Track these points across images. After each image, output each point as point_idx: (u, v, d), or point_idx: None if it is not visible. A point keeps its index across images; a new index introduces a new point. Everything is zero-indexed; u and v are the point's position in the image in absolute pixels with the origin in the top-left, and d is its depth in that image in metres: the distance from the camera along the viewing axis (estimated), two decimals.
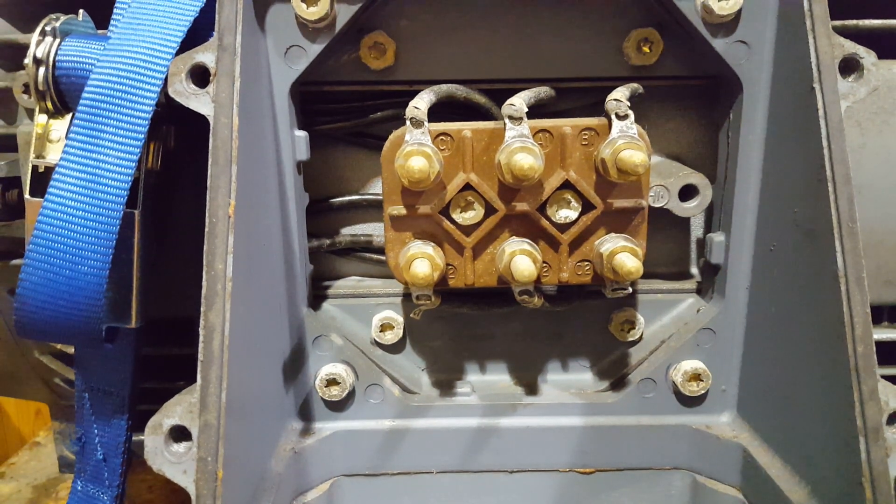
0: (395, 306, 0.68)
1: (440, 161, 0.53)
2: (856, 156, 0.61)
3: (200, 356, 0.48)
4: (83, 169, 0.52)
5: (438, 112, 0.56)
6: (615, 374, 0.69)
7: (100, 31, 0.60)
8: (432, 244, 0.56)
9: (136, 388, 0.63)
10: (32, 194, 0.56)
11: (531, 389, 0.69)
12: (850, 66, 0.53)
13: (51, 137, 0.57)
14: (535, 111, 0.57)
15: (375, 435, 0.66)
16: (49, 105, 0.56)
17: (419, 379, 0.70)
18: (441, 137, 0.55)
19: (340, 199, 0.68)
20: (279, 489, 0.58)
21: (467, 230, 0.56)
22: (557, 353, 0.70)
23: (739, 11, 0.56)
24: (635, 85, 0.58)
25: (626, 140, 0.52)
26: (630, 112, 0.53)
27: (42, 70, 0.54)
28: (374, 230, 0.69)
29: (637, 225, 0.57)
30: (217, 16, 0.52)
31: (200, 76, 0.52)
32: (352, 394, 0.66)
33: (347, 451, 0.66)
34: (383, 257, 0.68)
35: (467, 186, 0.55)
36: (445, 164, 0.54)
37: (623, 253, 0.54)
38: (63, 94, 0.55)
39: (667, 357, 0.66)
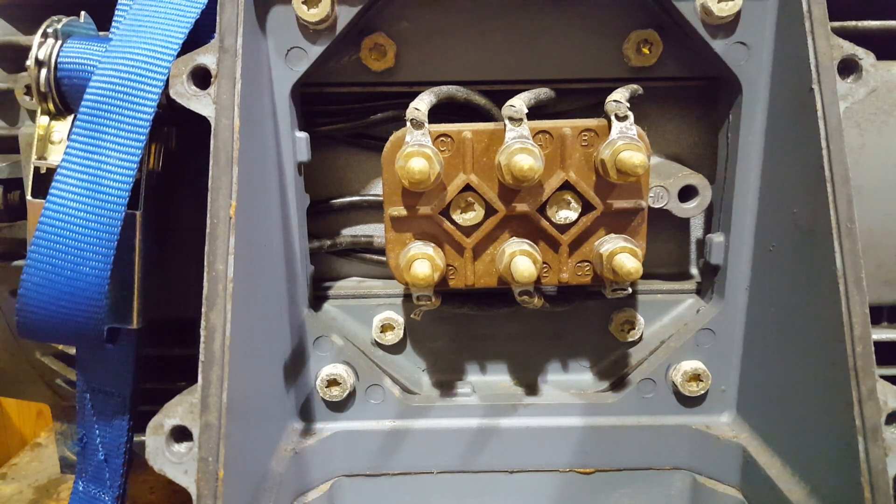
0: (395, 307, 0.68)
1: (440, 162, 0.53)
2: (855, 156, 0.62)
3: (201, 357, 0.48)
4: (85, 170, 0.52)
5: (439, 113, 0.56)
6: (615, 374, 0.69)
7: (101, 33, 0.60)
8: (433, 245, 0.56)
9: (138, 388, 0.63)
10: (34, 195, 0.56)
11: (531, 390, 0.69)
12: (848, 67, 0.53)
13: (52, 139, 0.57)
14: (535, 112, 0.57)
15: (376, 435, 0.67)
16: (51, 106, 0.56)
17: (420, 379, 0.70)
18: (441, 138, 0.55)
19: (341, 199, 0.68)
20: (280, 489, 0.58)
21: (467, 231, 0.57)
22: (557, 353, 0.70)
23: (738, 13, 0.56)
24: (635, 86, 0.58)
25: (625, 141, 0.53)
26: (629, 113, 0.53)
27: (44, 72, 0.54)
28: (374, 231, 0.69)
29: (637, 226, 0.57)
30: (218, 17, 0.52)
31: (202, 78, 0.52)
32: (352, 394, 0.66)
33: (348, 451, 0.67)
34: (384, 258, 0.68)
35: (467, 187, 0.56)
36: (446, 165, 0.55)
37: (623, 253, 0.54)
38: (65, 96, 0.55)
39: (667, 357, 0.66)
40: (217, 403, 0.47)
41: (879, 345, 0.53)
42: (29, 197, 0.57)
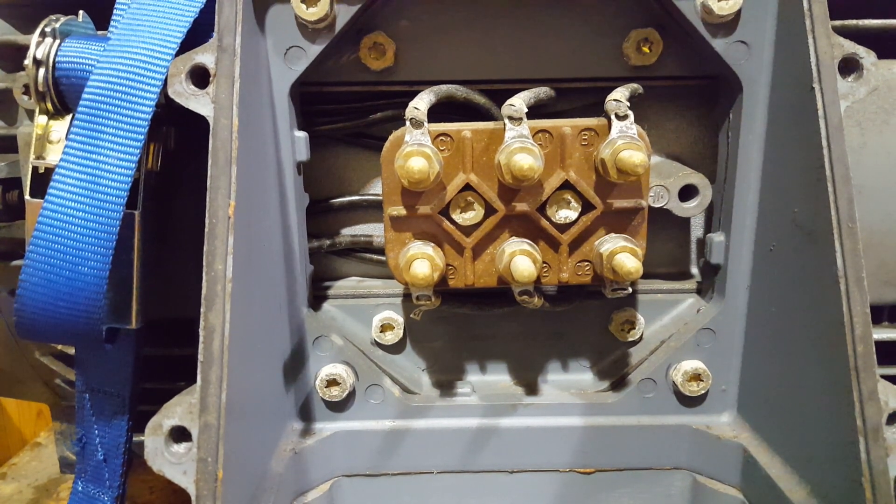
0: (395, 307, 0.68)
1: (440, 161, 0.53)
2: (855, 156, 0.61)
3: (200, 357, 0.48)
4: (83, 170, 0.52)
5: (438, 112, 0.56)
6: (615, 374, 0.69)
7: (100, 32, 0.60)
8: (432, 244, 0.56)
9: (137, 388, 0.63)
10: (32, 195, 0.56)
11: (531, 389, 0.69)
12: (849, 66, 0.53)
13: (51, 138, 0.57)
14: (535, 111, 0.57)
15: (376, 435, 0.66)
16: (49, 106, 0.56)
17: (419, 379, 0.70)
18: (441, 138, 0.55)
19: (340, 199, 0.68)
20: (279, 489, 0.58)
21: (467, 230, 0.56)
22: (557, 353, 0.70)
23: (739, 11, 0.56)
24: (635, 85, 0.58)
25: (625, 140, 0.52)
26: (630, 112, 0.53)
27: (42, 71, 0.54)
28: (374, 230, 0.69)
29: (637, 225, 0.57)
30: (217, 16, 0.52)
31: (200, 77, 0.52)
32: (352, 394, 0.66)
33: (348, 451, 0.66)
34: (383, 258, 0.68)
35: (467, 187, 0.55)
36: (445, 164, 0.55)
37: (623, 253, 0.54)
38: (63, 95, 0.55)
39: (667, 357, 0.66)
40: (216, 404, 0.47)
41: (880, 344, 0.53)
42: (27, 196, 0.57)
